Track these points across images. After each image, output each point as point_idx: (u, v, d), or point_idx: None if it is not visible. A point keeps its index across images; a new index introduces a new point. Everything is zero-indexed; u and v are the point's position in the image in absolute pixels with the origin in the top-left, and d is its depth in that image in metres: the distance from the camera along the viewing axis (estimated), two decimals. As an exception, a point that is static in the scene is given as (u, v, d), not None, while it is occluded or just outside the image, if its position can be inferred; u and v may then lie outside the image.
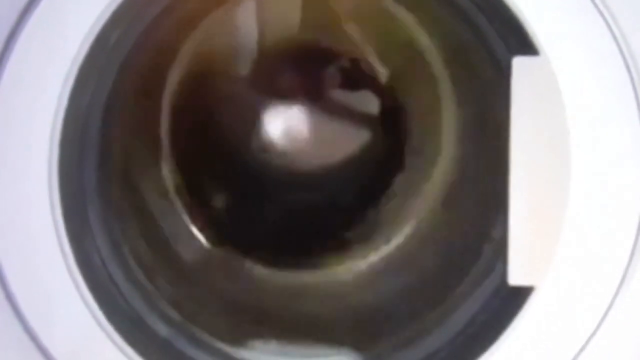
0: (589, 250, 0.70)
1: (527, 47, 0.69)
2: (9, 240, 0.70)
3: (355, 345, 0.81)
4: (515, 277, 0.71)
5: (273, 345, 0.81)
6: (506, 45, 0.71)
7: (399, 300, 0.86)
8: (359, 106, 0.97)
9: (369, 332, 0.82)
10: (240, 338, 0.81)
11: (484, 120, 0.81)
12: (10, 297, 0.71)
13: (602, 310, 0.71)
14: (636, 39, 0.69)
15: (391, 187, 0.96)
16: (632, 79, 0.69)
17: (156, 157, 0.92)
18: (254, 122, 0.96)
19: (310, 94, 0.96)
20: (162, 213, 0.92)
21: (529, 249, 0.71)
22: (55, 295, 0.71)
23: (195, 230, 0.93)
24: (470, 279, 0.79)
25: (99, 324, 0.72)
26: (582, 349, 0.71)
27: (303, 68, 0.96)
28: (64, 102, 0.70)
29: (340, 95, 0.97)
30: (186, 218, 0.93)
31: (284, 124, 0.96)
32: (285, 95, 0.96)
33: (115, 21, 0.69)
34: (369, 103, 0.97)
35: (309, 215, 0.96)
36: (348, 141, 0.97)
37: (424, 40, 0.89)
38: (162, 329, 0.78)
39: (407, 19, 0.89)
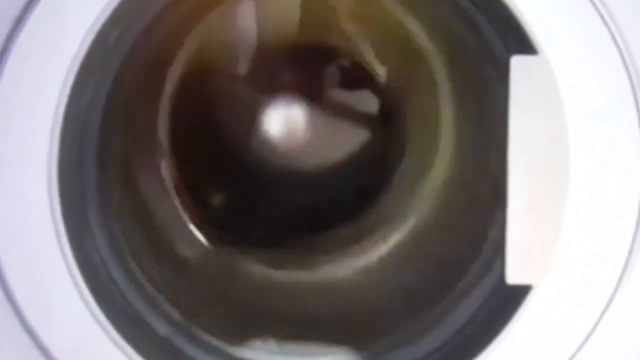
0: (587, 249, 0.70)
1: (525, 46, 0.69)
2: (8, 239, 0.70)
3: (354, 344, 0.81)
4: (514, 276, 0.71)
5: (272, 344, 0.81)
6: (505, 44, 0.71)
7: (398, 299, 0.86)
8: (358, 105, 0.97)
9: (368, 331, 0.82)
10: (239, 337, 0.81)
11: (482, 119, 0.81)
12: (9, 296, 0.71)
13: (600, 309, 0.71)
14: (635, 38, 0.69)
15: (389, 186, 0.96)
16: (630, 77, 0.69)
17: (156, 156, 0.92)
18: (253, 120, 0.96)
19: (309, 92, 0.96)
20: (162, 212, 0.92)
21: (527, 248, 0.71)
22: (54, 294, 0.71)
23: (194, 229, 0.93)
24: (469, 277, 0.79)
25: (99, 322, 0.72)
26: (580, 348, 0.71)
27: (302, 67, 0.96)
28: (64, 101, 0.70)
29: (339, 95, 0.97)
30: (185, 217, 0.93)
31: (282, 123, 0.96)
32: (284, 94, 0.96)
33: (115, 20, 0.69)
34: (368, 102, 0.97)
35: (308, 214, 0.96)
36: (346, 140, 0.97)
37: (422, 39, 0.89)
38: (162, 328, 0.78)
39: (406, 17, 0.89)
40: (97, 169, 0.77)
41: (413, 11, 0.88)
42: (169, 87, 0.91)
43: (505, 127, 0.70)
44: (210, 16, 0.90)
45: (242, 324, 0.84)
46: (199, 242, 0.93)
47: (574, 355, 0.71)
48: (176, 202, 0.93)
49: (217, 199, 0.98)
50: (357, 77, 0.97)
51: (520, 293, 0.71)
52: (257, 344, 0.81)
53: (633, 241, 0.70)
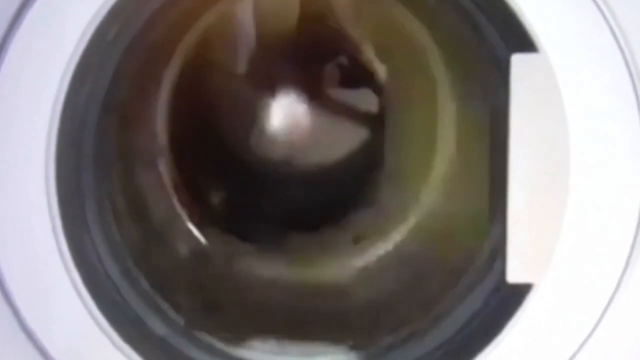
0: (587, 248, 0.70)
1: (526, 44, 0.69)
2: (6, 239, 0.70)
3: (354, 343, 0.81)
4: (514, 274, 0.71)
5: (271, 343, 0.81)
6: (505, 42, 0.71)
7: (398, 298, 0.86)
8: (357, 104, 0.97)
9: (367, 330, 0.82)
10: (238, 336, 0.81)
11: (482, 117, 0.80)
12: (8, 297, 0.71)
13: (601, 308, 0.71)
14: (635, 35, 0.69)
15: (389, 185, 0.96)
16: (631, 75, 0.69)
17: (154, 153, 0.92)
18: (251, 118, 0.96)
19: (308, 91, 0.96)
20: (160, 210, 0.92)
21: (528, 247, 0.71)
22: (53, 295, 0.71)
23: (192, 228, 0.93)
24: (469, 276, 0.79)
25: (97, 322, 0.72)
26: (581, 347, 0.71)
27: (301, 65, 0.96)
28: (62, 98, 0.70)
29: (338, 93, 0.97)
30: (184, 215, 0.93)
31: (281, 121, 0.96)
32: (282, 92, 0.96)
33: (113, 17, 0.69)
34: (367, 101, 0.97)
35: (307, 213, 0.96)
36: (346, 139, 0.97)
37: (422, 37, 0.89)
38: (160, 328, 0.78)
39: (406, 15, 0.88)
40: (95, 168, 0.76)
41: (413, 9, 0.87)
42: (168, 84, 0.91)
43: (506, 125, 0.70)
44: (209, 13, 0.90)
45: (241, 324, 0.83)
46: (197, 240, 0.93)
47: (575, 354, 0.71)
48: (174, 200, 0.93)
49: (215, 197, 0.98)
50: (357, 75, 0.97)
51: (521, 292, 0.71)
52: (256, 343, 0.81)
53: (634, 240, 0.70)
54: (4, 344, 0.71)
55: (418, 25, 0.88)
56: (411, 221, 0.92)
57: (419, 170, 0.92)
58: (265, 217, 0.96)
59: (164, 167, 0.93)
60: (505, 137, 0.70)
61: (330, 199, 0.97)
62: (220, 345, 0.80)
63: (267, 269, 0.92)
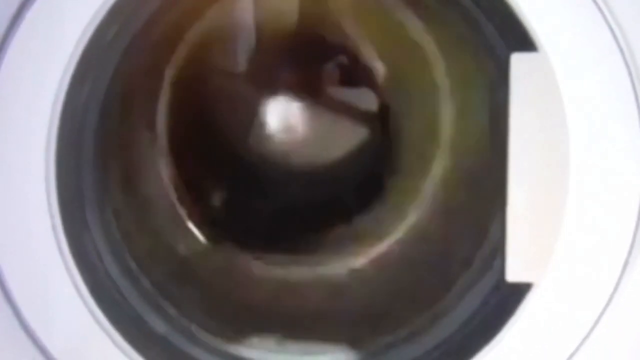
0: (587, 247, 0.70)
1: (525, 43, 0.69)
2: (6, 238, 0.70)
3: (353, 342, 0.81)
4: (514, 273, 0.71)
5: (270, 342, 0.81)
6: (505, 41, 0.71)
7: (397, 297, 0.86)
8: (357, 103, 0.97)
9: (366, 329, 0.82)
10: (237, 335, 0.81)
11: (482, 116, 0.80)
12: (8, 296, 0.71)
13: (600, 307, 0.71)
14: (635, 35, 0.69)
15: (388, 184, 0.96)
16: (630, 74, 0.69)
17: (154, 153, 0.92)
18: (251, 117, 0.96)
19: (308, 90, 0.96)
20: (160, 210, 0.92)
21: (527, 246, 0.71)
22: (53, 293, 0.71)
23: (192, 227, 0.93)
24: (469, 275, 0.79)
25: (97, 321, 0.72)
26: (580, 345, 0.71)
27: (300, 64, 0.96)
28: (62, 97, 0.70)
29: (338, 92, 0.97)
30: (184, 215, 0.93)
31: (281, 120, 0.96)
32: (282, 91, 0.96)
33: (112, 17, 0.69)
34: (367, 100, 0.97)
35: (307, 212, 0.96)
36: (345, 138, 0.97)
37: (422, 36, 0.89)
38: (160, 326, 0.78)
39: (405, 15, 0.88)
40: (94, 167, 0.77)
41: (413, 8, 0.88)
42: (168, 84, 0.91)
43: (506, 124, 0.70)
44: (208, 12, 0.90)
45: (241, 322, 0.83)
46: (197, 239, 0.93)
47: (574, 353, 0.71)
48: (174, 199, 0.93)
49: (215, 197, 0.98)
50: (357, 74, 0.96)
51: (520, 291, 0.71)
52: (256, 342, 0.81)
53: (633, 239, 0.70)
54: (5, 343, 0.71)
55: (418, 24, 0.88)
56: (411, 220, 0.92)
57: (418, 170, 0.92)
58: (264, 216, 0.96)
59: (164, 167, 0.93)
60: (505, 136, 0.70)
61: (330, 198, 0.97)
62: (220, 343, 0.80)
63: (266, 268, 0.92)
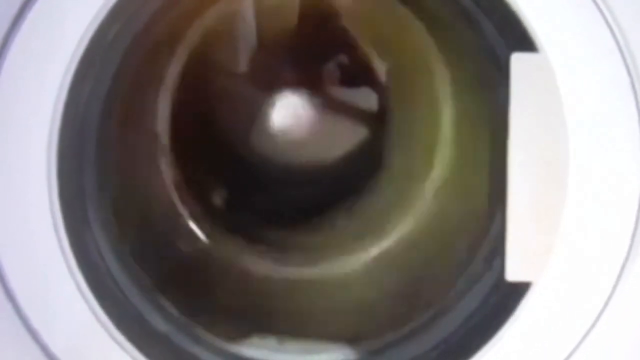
0: (586, 246, 0.70)
1: (526, 43, 0.69)
2: (8, 237, 0.70)
3: (353, 341, 0.81)
4: (513, 273, 0.71)
5: (271, 340, 0.81)
6: (505, 41, 0.71)
7: (397, 297, 0.86)
8: (357, 103, 0.97)
9: (366, 328, 0.83)
10: (238, 334, 0.81)
11: (482, 116, 0.81)
12: (9, 294, 0.71)
13: (600, 306, 0.71)
14: (635, 35, 0.69)
15: (389, 184, 0.96)
16: (630, 75, 0.69)
17: (155, 152, 0.92)
18: (252, 116, 0.96)
19: (309, 89, 0.96)
20: (161, 208, 0.92)
21: (527, 245, 0.71)
22: (54, 292, 0.71)
23: (193, 226, 0.93)
24: (468, 274, 0.79)
25: (99, 320, 0.72)
26: (579, 344, 0.71)
27: (302, 64, 0.96)
28: (63, 97, 0.70)
29: (338, 92, 0.97)
30: (185, 213, 0.93)
31: (281, 119, 0.96)
32: (283, 90, 0.96)
33: (113, 17, 0.69)
34: (367, 99, 0.97)
35: (307, 211, 0.96)
36: (346, 137, 0.97)
37: (422, 36, 0.89)
38: (161, 325, 0.78)
39: (405, 14, 0.88)
40: (96, 166, 0.76)
41: (413, 8, 0.88)
42: (169, 82, 0.91)
43: (505, 124, 0.70)
44: (209, 12, 0.90)
45: (241, 321, 0.83)
46: (198, 238, 0.93)
47: (573, 352, 0.72)
48: (175, 198, 0.93)
49: (216, 196, 0.98)
50: (357, 74, 0.97)
51: (519, 290, 0.72)
52: (256, 340, 0.81)
53: (632, 239, 0.70)
54: (6, 341, 0.71)
55: (418, 23, 0.88)
56: (411, 219, 0.92)
57: (418, 169, 0.92)
58: (265, 215, 0.96)
59: (165, 166, 0.93)
60: (504, 136, 0.70)
61: (330, 197, 0.97)
62: (220, 342, 0.80)
63: (267, 266, 0.92)
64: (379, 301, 0.87)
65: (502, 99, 0.70)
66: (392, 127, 0.96)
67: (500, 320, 0.72)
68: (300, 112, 0.96)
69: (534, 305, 0.71)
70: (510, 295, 0.72)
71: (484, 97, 0.78)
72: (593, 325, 0.71)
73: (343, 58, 0.97)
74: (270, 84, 0.96)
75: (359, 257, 0.93)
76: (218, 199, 0.98)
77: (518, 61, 0.69)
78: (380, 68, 0.96)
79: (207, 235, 0.93)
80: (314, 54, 0.96)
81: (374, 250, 0.93)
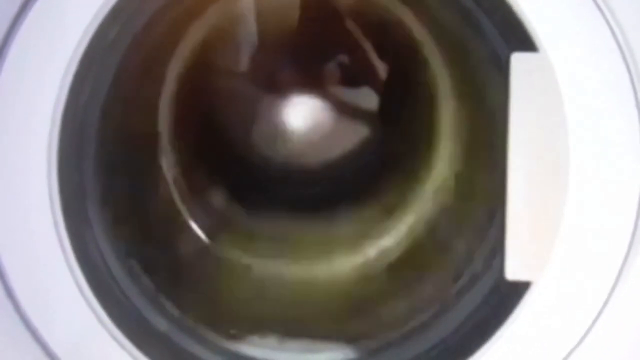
0: (586, 246, 0.70)
1: (526, 43, 0.69)
2: (8, 236, 0.70)
3: (353, 340, 0.81)
4: (513, 272, 0.72)
5: (271, 340, 0.81)
6: (505, 41, 0.71)
7: (397, 296, 0.86)
8: (358, 102, 0.97)
9: (367, 327, 0.83)
10: (238, 333, 0.81)
11: (482, 116, 0.81)
12: (10, 293, 0.71)
13: (599, 305, 0.71)
14: (635, 35, 0.69)
15: (389, 184, 0.96)
16: (630, 74, 0.69)
17: (155, 151, 0.92)
18: (252, 116, 0.96)
19: (309, 89, 0.96)
20: (161, 208, 0.92)
21: (527, 245, 0.71)
22: (55, 291, 0.71)
23: (194, 225, 0.93)
24: (469, 274, 0.79)
25: (99, 319, 0.72)
26: (579, 343, 0.72)
27: (302, 64, 0.96)
28: (63, 97, 0.70)
29: (339, 91, 0.97)
30: (185, 213, 0.93)
31: (282, 119, 0.96)
32: (283, 90, 0.96)
33: (114, 17, 0.69)
34: (368, 99, 0.97)
35: (307, 210, 0.96)
36: (346, 136, 0.97)
37: (422, 36, 0.89)
38: (162, 324, 0.78)
39: (406, 14, 0.89)
40: (96, 165, 0.77)
41: (413, 8, 0.88)
42: (169, 82, 0.91)
43: (505, 123, 0.70)
44: (210, 11, 0.90)
45: (242, 320, 0.84)
46: (198, 238, 0.93)
47: (573, 351, 0.72)
48: (176, 197, 0.93)
49: (217, 195, 0.98)
50: (358, 73, 0.97)
51: (519, 289, 0.72)
52: (256, 339, 0.81)
53: (632, 238, 0.70)
54: (7, 340, 0.72)
55: (418, 23, 0.88)
56: (411, 219, 0.92)
57: (419, 169, 0.93)
58: (265, 214, 0.96)
59: (166, 165, 0.93)
60: (504, 136, 0.70)
61: (331, 196, 0.97)
62: (221, 341, 0.80)
63: (267, 265, 0.92)
64: (379, 301, 0.87)
65: (502, 98, 0.70)
66: (392, 126, 0.96)
67: (500, 320, 0.72)
68: (300, 112, 0.96)
69: (533, 304, 0.71)
70: (510, 295, 0.72)
71: (484, 97, 0.78)
72: (592, 325, 0.71)
73: (343, 58, 0.97)
74: (270, 84, 0.96)
75: (359, 256, 0.93)
76: (219, 198, 0.99)
77: (518, 61, 0.69)
78: (381, 68, 0.96)
79: (208, 234, 0.93)
80: (314, 53, 0.96)
81: (374, 250, 0.93)
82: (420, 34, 0.89)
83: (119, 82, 0.77)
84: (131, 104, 0.84)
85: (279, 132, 0.96)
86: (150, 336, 0.76)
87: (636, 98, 0.69)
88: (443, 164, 0.91)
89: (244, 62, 0.97)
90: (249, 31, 0.95)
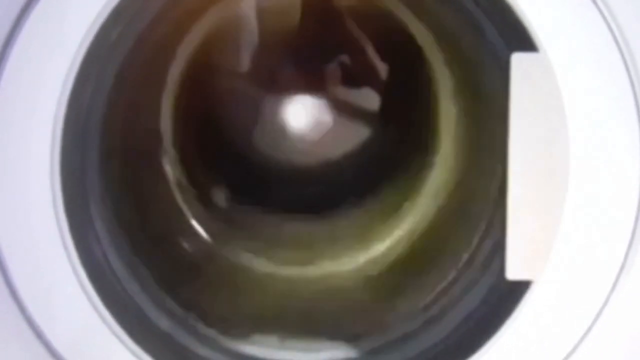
0: (586, 245, 0.70)
1: (526, 43, 0.69)
2: (11, 233, 0.70)
3: (353, 339, 0.81)
4: (514, 271, 0.72)
5: (272, 339, 0.81)
6: (505, 41, 0.71)
7: (398, 296, 0.86)
8: (358, 103, 0.98)
9: (368, 327, 0.83)
10: (240, 332, 0.81)
11: (482, 116, 0.81)
12: (12, 290, 0.71)
13: (600, 304, 0.71)
14: (635, 36, 0.69)
15: (390, 183, 0.96)
16: (630, 75, 0.69)
17: (158, 151, 0.92)
18: (254, 115, 0.97)
19: (309, 89, 0.96)
20: (164, 207, 0.92)
21: (527, 244, 0.71)
22: (57, 288, 0.71)
23: (196, 224, 0.93)
24: (469, 273, 0.79)
25: (101, 316, 0.72)
26: (579, 342, 0.72)
27: (303, 64, 0.96)
28: (66, 96, 0.70)
29: (339, 92, 0.97)
30: (187, 212, 0.93)
31: (283, 119, 0.97)
32: (284, 90, 0.96)
33: (116, 17, 0.69)
34: (368, 100, 0.98)
35: (309, 211, 0.96)
36: (347, 136, 0.97)
37: (423, 36, 0.89)
38: (164, 322, 0.78)
39: (406, 15, 0.89)
40: (99, 163, 0.77)
41: (413, 8, 0.88)
42: (171, 83, 0.91)
43: (506, 124, 0.70)
44: (212, 12, 0.90)
45: (243, 319, 0.84)
46: (200, 237, 0.93)
47: (573, 350, 0.72)
48: (178, 197, 0.93)
49: (219, 195, 0.99)
50: (358, 74, 0.97)
51: (520, 288, 0.72)
52: (257, 338, 0.81)
53: (632, 237, 0.71)
54: (9, 338, 0.72)
55: (419, 23, 0.88)
56: (411, 218, 0.92)
57: (419, 168, 0.93)
58: (267, 214, 0.97)
59: (168, 165, 0.93)
60: (505, 136, 0.70)
61: (332, 196, 0.97)
62: (222, 340, 0.80)
63: (269, 265, 0.92)
64: (380, 300, 0.87)
65: (503, 98, 0.70)
66: (392, 126, 0.96)
67: (500, 319, 0.72)
68: (301, 112, 0.96)
69: (534, 303, 0.71)
70: (510, 294, 0.72)
71: (484, 97, 0.78)
72: (593, 324, 0.71)
73: (344, 58, 0.97)
74: (272, 84, 0.96)
75: (359, 256, 0.93)
76: (220, 198, 0.99)
77: (518, 61, 0.69)
78: (381, 68, 0.96)
79: (209, 233, 0.93)
80: (315, 54, 0.96)
81: (375, 250, 0.93)
82: (420, 35, 0.89)
83: (121, 82, 0.77)
84: (133, 103, 0.85)
85: (279, 132, 0.96)
86: (151, 334, 0.76)
87: (636, 98, 0.69)
88: (443, 163, 0.91)
89: (245, 62, 0.97)
90: (251, 31, 0.95)
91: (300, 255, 0.93)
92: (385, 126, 0.97)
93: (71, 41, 0.69)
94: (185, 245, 0.92)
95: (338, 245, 0.94)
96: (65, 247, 0.71)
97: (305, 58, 0.96)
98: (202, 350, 0.79)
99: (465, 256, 0.80)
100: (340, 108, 0.98)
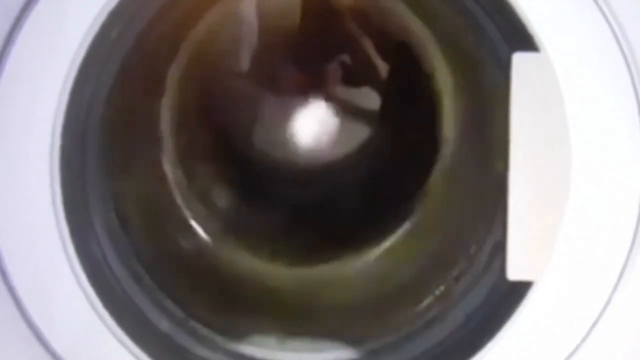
0: (587, 246, 0.70)
1: (527, 43, 0.69)
2: (10, 234, 0.70)
3: (355, 340, 0.81)
4: (515, 272, 0.72)
5: (271, 339, 0.81)
6: (506, 41, 0.71)
7: (398, 296, 0.86)
8: (358, 102, 0.97)
9: (368, 327, 0.83)
10: (239, 332, 0.81)
11: (483, 116, 0.81)
12: (11, 291, 0.71)
13: (601, 305, 0.71)
14: (636, 35, 0.69)
15: (390, 183, 0.96)
16: (631, 74, 0.69)
17: (157, 151, 0.92)
18: (254, 116, 0.97)
19: (310, 89, 0.96)
20: (163, 207, 0.92)
21: (528, 244, 0.71)
22: (56, 289, 0.71)
23: (195, 225, 0.93)
24: (470, 274, 0.79)
25: (100, 317, 0.72)
26: (581, 343, 0.72)
27: (303, 64, 0.96)
28: (66, 96, 0.70)
29: (340, 92, 0.97)
30: (187, 212, 0.93)
31: (282, 119, 0.97)
32: (284, 91, 0.96)
33: (115, 17, 0.69)
34: (369, 99, 0.97)
35: (309, 211, 0.96)
36: (347, 136, 0.97)
37: (423, 36, 0.89)
38: (163, 323, 0.78)
39: (407, 14, 0.89)
40: (98, 164, 0.77)
41: (414, 8, 0.88)
42: (171, 82, 0.91)
43: (507, 123, 0.70)
44: (212, 11, 0.90)
45: (243, 320, 0.84)
46: (200, 237, 0.93)
47: (574, 351, 0.72)
48: (178, 197, 0.93)
49: (218, 195, 0.99)
50: (358, 74, 0.97)
51: (521, 289, 0.72)
52: (257, 339, 0.81)
53: (634, 237, 0.70)
54: (8, 339, 0.72)
55: (419, 23, 0.88)
56: (412, 219, 0.92)
57: (420, 168, 0.93)
58: (267, 214, 0.97)
59: (168, 165, 0.93)
60: (506, 136, 0.70)
61: (332, 197, 0.97)
62: (222, 340, 0.80)
63: (269, 265, 0.92)
64: (380, 301, 0.87)
65: (504, 98, 0.70)
66: (393, 126, 0.96)
67: (501, 319, 0.72)
68: (301, 112, 0.96)
69: (535, 304, 0.71)
70: (511, 294, 0.72)
71: (485, 97, 0.78)
72: (594, 324, 0.71)
73: (345, 58, 0.97)
74: (272, 84, 0.96)
75: (360, 256, 0.93)
76: (220, 198, 0.99)
77: (519, 61, 0.69)
78: (382, 68, 0.96)
79: (209, 234, 0.93)
80: (315, 54, 0.96)
81: (375, 250, 0.93)
82: (421, 34, 0.89)
83: (121, 81, 0.77)
84: (133, 104, 0.85)
85: (280, 132, 0.96)
86: (151, 335, 0.77)
87: (637, 97, 0.69)
88: (443, 163, 0.91)
89: (245, 62, 0.97)
90: (251, 31, 0.95)
91: (300, 255, 0.93)
92: (385, 125, 0.97)
93: (71, 41, 0.69)
94: (185, 245, 0.92)
95: (339, 245, 0.94)
96: (65, 248, 0.71)
97: (305, 57, 0.96)
98: (201, 351, 0.79)
99: (466, 257, 0.80)
100: (341, 108, 0.98)
